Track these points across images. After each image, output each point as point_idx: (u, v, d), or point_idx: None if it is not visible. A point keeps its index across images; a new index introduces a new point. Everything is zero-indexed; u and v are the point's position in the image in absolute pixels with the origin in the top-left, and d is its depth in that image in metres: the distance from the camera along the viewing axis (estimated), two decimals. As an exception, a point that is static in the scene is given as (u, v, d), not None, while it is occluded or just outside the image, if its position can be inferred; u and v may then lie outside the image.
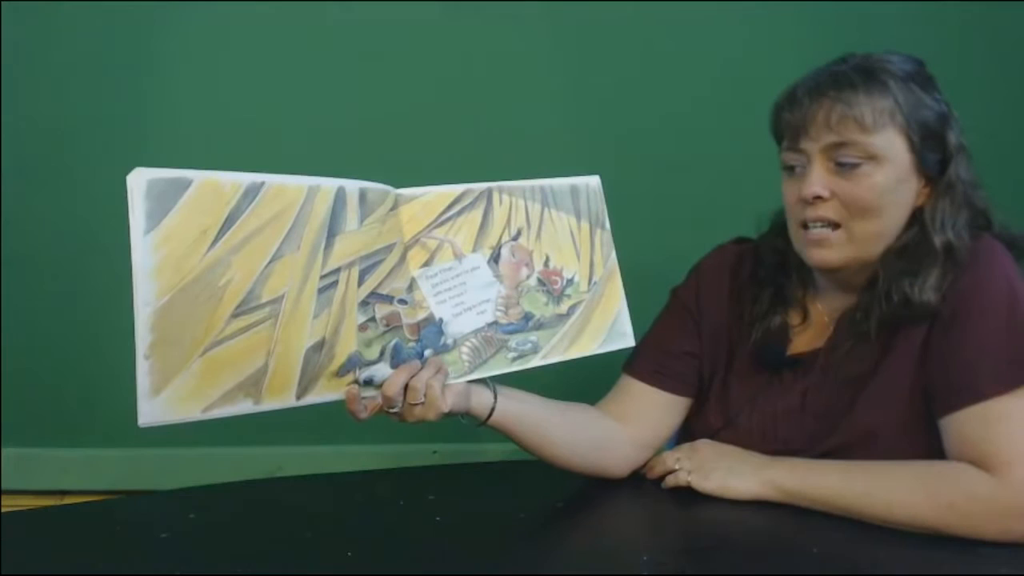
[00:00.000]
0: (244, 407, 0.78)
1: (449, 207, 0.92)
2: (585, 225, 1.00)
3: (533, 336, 0.95)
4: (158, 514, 0.96)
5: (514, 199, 0.96)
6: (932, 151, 0.92)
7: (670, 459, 1.00)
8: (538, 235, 0.97)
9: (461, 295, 0.92)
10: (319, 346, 0.82)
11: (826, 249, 0.93)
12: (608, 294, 1.01)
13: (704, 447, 0.99)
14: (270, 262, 0.79)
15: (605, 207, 1.02)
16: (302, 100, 1.47)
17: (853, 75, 0.91)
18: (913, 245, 0.92)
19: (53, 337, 1.49)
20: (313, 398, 0.82)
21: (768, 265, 1.04)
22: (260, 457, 1.50)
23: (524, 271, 0.96)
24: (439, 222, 0.91)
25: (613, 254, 1.02)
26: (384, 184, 0.88)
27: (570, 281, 0.99)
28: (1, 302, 1.47)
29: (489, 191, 0.95)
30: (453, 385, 0.89)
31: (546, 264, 0.97)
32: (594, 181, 1.02)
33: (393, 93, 1.47)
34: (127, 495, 1.40)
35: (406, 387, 0.85)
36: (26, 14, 1.43)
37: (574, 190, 1.00)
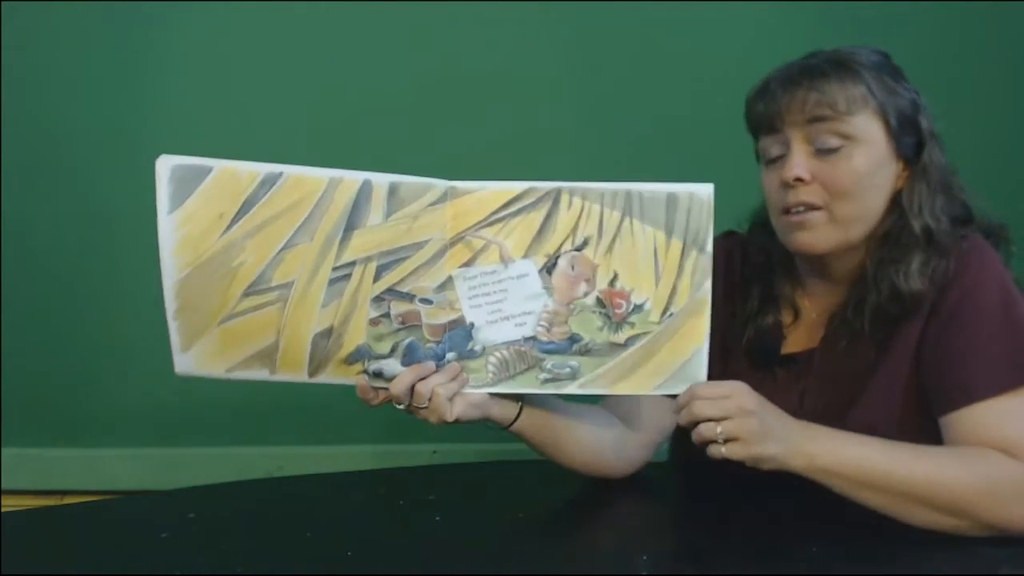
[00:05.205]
0: (262, 374, 0.85)
1: (505, 206, 0.84)
2: (676, 243, 0.84)
3: (574, 361, 0.86)
4: (158, 514, 0.96)
5: (588, 203, 0.84)
6: (908, 135, 0.93)
7: (708, 430, 0.82)
8: (609, 248, 0.84)
9: (500, 302, 0.86)
10: (327, 333, 0.84)
11: (808, 232, 0.92)
12: (688, 330, 0.85)
13: (752, 410, 0.81)
14: (282, 249, 0.83)
15: (712, 225, 0.84)
16: (302, 103, 1.47)
17: (825, 66, 0.92)
18: (895, 232, 0.93)
19: (53, 337, 1.49)
20: (325, 379, 0.86)
21: (754, 263, 1.04)
22: (260, 457, 1.50)
23: (582, 287, 0.85)
24: (489, 221, 0.84)
25: (707, 283, 0.85)
26: (437, 179, 0.83)
27: (638, 307, 0.85)
28: (1, 302, 1.47)
29: (557, 191, 0.84)
30: (470, 395, 0.86)
31: (612, 283, 0.85)
32: (704, 191, 0.84)
33: (397, 95, 1.47)
34: (127, 495, 1.40)
35: (412, 388, 0.85)
36: (26, 14, 1.43)
37: (671, 200, 0.84)
